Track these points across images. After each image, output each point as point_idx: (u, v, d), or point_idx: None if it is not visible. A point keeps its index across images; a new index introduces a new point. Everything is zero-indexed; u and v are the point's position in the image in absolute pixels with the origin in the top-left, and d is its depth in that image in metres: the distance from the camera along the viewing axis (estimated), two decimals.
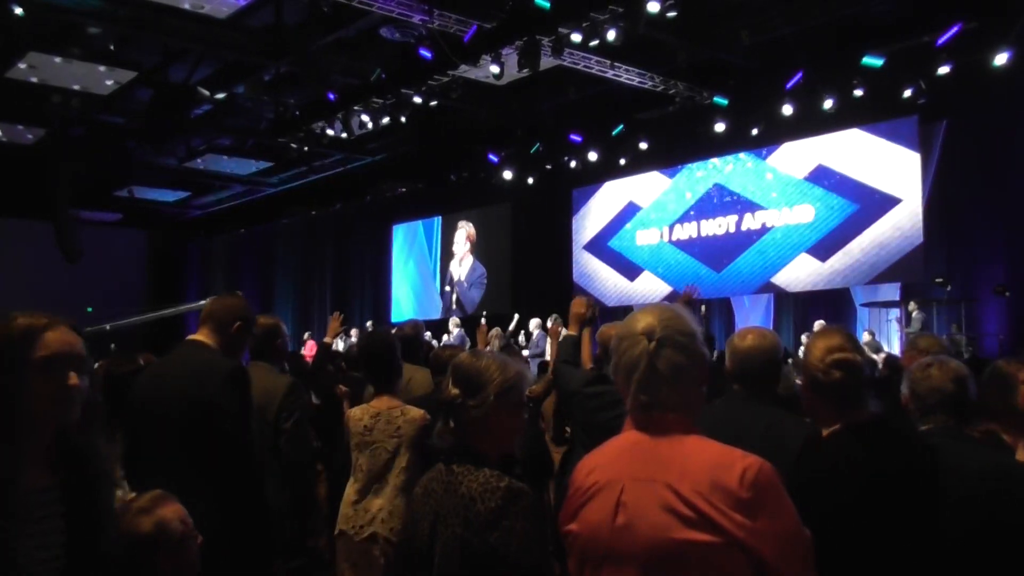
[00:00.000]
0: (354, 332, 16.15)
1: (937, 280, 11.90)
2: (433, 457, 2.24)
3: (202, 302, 17.34)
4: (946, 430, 2.62)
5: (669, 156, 15.46)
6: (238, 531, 3.05)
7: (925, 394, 2.67)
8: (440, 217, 19.91)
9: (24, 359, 1.80)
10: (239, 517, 3.08)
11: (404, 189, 20.03)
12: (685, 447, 1.81)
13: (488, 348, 13.05)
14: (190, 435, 3.11)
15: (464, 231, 19.54)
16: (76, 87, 13.58)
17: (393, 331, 5.36)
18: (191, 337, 3.40)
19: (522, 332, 14.83)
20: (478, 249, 19.15)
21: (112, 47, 12.34)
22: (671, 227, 15.97)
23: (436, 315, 19.05)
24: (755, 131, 13.66)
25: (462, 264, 19.53)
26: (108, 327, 15.87)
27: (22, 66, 12.67)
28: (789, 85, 12.59)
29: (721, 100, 13.36)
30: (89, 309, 17.36)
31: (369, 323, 18.11)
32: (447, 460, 2.17)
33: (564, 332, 4.20)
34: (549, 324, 13.71)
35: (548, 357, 9.46)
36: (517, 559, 1.99)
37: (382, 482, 3.84)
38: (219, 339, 3.35)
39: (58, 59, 12.38)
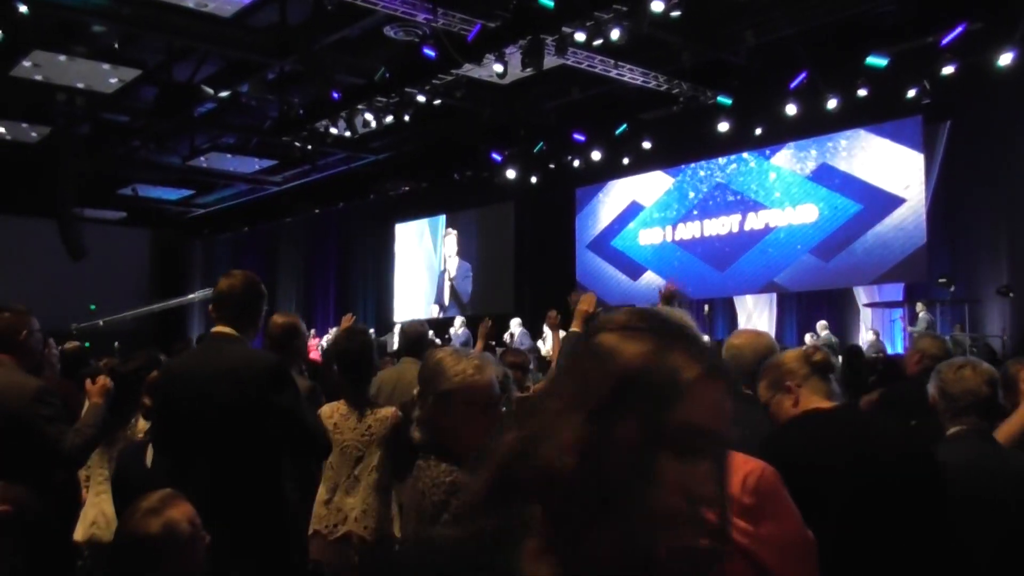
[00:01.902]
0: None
1: (940, 280, 11.88)
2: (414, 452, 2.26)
3: (191, 296, 17.36)
4: (979, 432, 2.62)
5: (672, 156, 15.45)
6: (266, 525, 3.12)
7: (959, 395, 2.66)
8: (445, 216, 19.91)
9: (657, 430, 0.91)
10: (269, 511, 3.16)
11: (407, 188, 20.01)
12: None
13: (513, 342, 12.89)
14: (232, 431, 3.14)
15: (452, 238, 19.66)
16: (80, 85, 13.59)
17: (397, 330, 5.38)
18: (216, 330, 3.36)
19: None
20: (477, 249, 19.16)
21: (116, 45, 12.37)
22: (674, 226, 15.97)
23: (440, 314, 19.07)
24: (759, 131, 13.63)
25: (448, 263, 19.69)
26: (101, 323, 15.88)
27: (27, 64, 12.68)
28: (793, 85, 12.57)
29: (725, 100, 13.34)
30: (92, 307, 17.39)
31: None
32: (421, 454, 2.20)
33: (564, 331, 4.19)
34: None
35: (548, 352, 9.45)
36: None
37: (352, 480, 3.84)
38: (235, 321, 3.32)
39: (62, 57, 12.39)
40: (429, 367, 2.24)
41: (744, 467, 1.75)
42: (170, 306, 18.30)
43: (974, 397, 2.63)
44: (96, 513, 4.17)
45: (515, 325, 14.59)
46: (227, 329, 3.31)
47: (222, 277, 3.39)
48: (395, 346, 15.00)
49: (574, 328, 4.11)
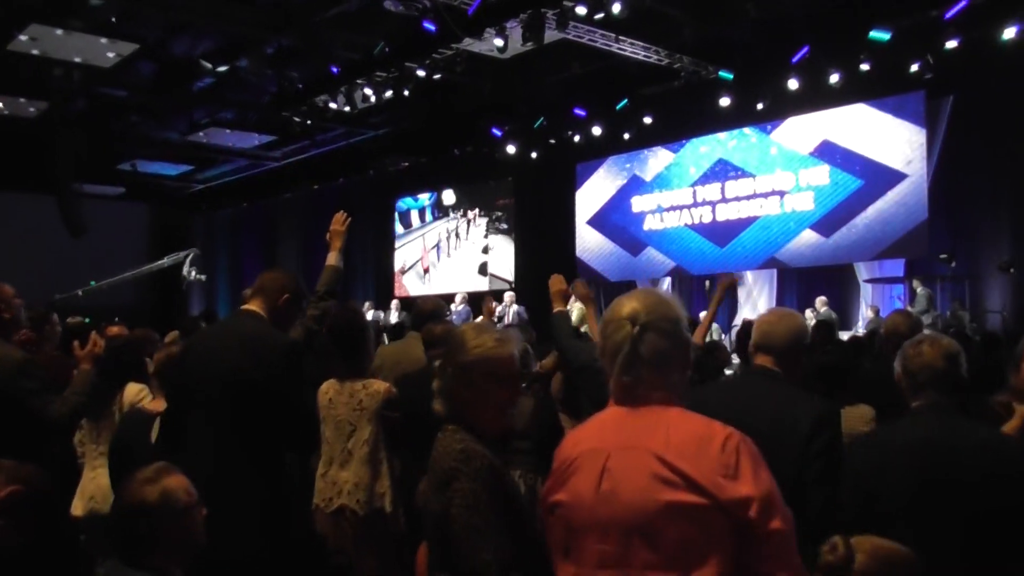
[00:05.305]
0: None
1: (941, 256, 11.88)
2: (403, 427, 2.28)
3: (162, 261, 17.30)
4: (937, 407, 2.65)
5: (673, 131, 15.38)
6: (270, 499, 3.18)
7: (917, 371, 2.69)
8: (444, 191, 19.83)
9: None
10: (273, 486, 3.21)
11: (407, 164, 19.96)
12: (668, 417, 1.88)
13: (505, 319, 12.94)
14: (242, 405, 3.21)
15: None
16: (78, 60, 13.50)
17: (394, 305, 5.37)
18: (244, 307, 3.49)
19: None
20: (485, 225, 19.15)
21: (114, 19, 12.25)
22: (674, 202, 15.92)
23: (439, 290, 19.05)
24: (760, 106, 13.56)
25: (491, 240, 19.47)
26: (80, 293, 15.86)
27: (23, 38, 12.59)
28: (795, 60, 12.50)
29: (726, 75, 13.28)
30: (92, 283, 17.38)
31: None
32: (442, 425, 2.22)
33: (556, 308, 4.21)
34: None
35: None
36: (460, 519, 2.01)
37: (346, 454, 3.89)
38: (268, 310, 3.44)
39: (59, 31, 12.31)
40: (452, 339, 2.28)
41: (723, 432, 1.83)
42: (141, 273, 18.17)
43: (931, 372, 2.66)
44: (94, 488, 4.20)
45: (508, 299, 14.63)
46: (254, 307, 3.43)
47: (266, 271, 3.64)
48: (392, 322, 15.03)
49: (557, 308, 4.15)
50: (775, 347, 2.89)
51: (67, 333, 5.83)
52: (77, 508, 4.19)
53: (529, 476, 4.13)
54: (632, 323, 1.90)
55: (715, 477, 1.75)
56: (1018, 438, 2.91)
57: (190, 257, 17.07)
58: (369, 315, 15.13)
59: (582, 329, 6.82)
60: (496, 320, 12.27)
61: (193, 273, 16.90)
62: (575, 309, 9.58)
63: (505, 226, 18.64)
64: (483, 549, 1.99)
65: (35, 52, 13.15)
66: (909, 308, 11.96)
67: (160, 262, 17.57)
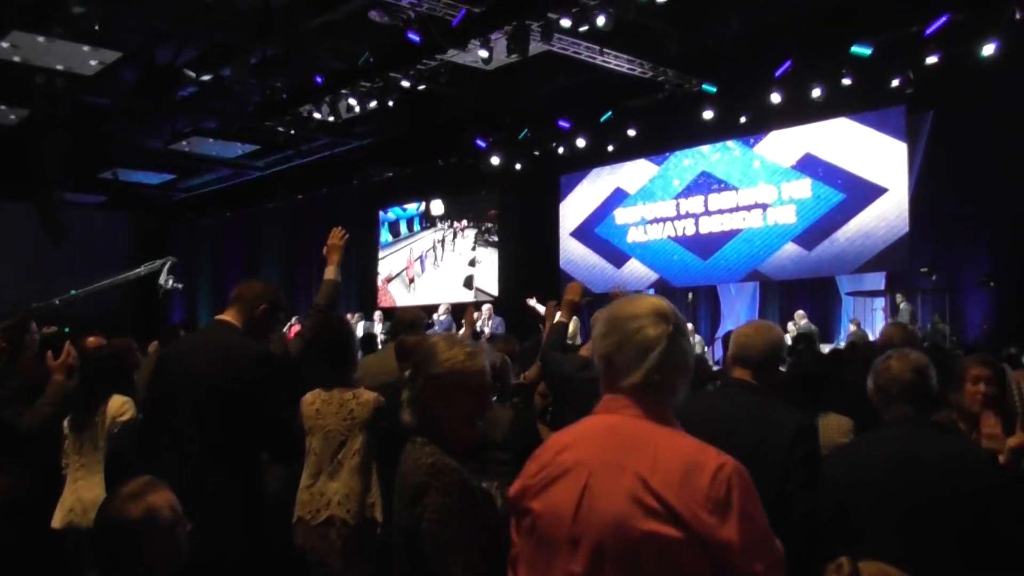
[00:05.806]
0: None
1: (922, 270, 11.95)
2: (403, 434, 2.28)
3: (139, 269, 17.19)
4: (906, 419, 2.68)
5: (657, 143, 15.44)
6: (244, 510, 3.16)
7: (886, 385, 2.74)
8: (433, 201, 19.81)
9: None
10: (248, 497, 3.19)
11: (391, 174, 19.94)
12: (661, 438, 1.78)
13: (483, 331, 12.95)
14: (214, 415, 3.19)
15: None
16: (60, 67, 13.43)
17: (377, 316, 5.34)
18: (219, 317, 3.47)
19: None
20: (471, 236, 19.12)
21: (96, 27, 12.19)
22: (658, 215, 15.97)
23: (424, 300, 19.01)
24: (743, 119, 13.63)
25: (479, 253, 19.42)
26: (57, 302, 15.73)
27: (5, 45, 12.50)
28: (778, 73, 12.57)
29: (709, 88, 13.34)
30: (73, 292, 17.23)
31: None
32: (410, 436, 2.21)
33: (556, 317, 4.19)
34: (540, 308, 13.71)
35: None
36: (432, 534, 2.01)
37: (335, 464, 3.85)
38: (244, 320, 3.41)
39: (41, 39, 12.23)
40: (422, 350, 2.26)
41: (716, 460, 1.71)
42: (117, 281, 18.01)
43: (900, 385, 2.70)
44: (73, 500, 4.15)
45: (442, 311, 14.64)
46: (228, 318, 3.41)
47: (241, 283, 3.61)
48: (375, 331, 14.98)
49: (561, 318, 4.12)
50: (753, 359, 2.89)
51: (42, 343, 5.76)
52: (56, 520, 4.14)
53: (508, 488, 4.11)
54: (665, 320, 1.83)
55: (699, 511, 1.64)
56: (989, 451, 2.93)
57: (167, 265, 16.92)
58: (360, 327, 15.09)
59: (576, 342, 6.82)
60: (479, 332, 12.26)
61: (170, 281, 16.75)
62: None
63: (495, 238, 18.56)
64: (455, 564, 1.97)
65: (17, 59, 13.06)
66: (891, 321, 12.04)
67: (137, 270, 17.41)
